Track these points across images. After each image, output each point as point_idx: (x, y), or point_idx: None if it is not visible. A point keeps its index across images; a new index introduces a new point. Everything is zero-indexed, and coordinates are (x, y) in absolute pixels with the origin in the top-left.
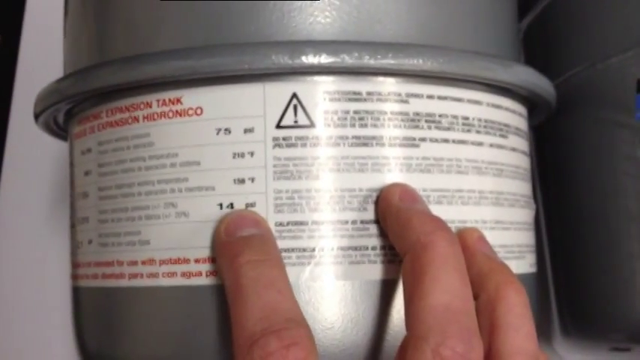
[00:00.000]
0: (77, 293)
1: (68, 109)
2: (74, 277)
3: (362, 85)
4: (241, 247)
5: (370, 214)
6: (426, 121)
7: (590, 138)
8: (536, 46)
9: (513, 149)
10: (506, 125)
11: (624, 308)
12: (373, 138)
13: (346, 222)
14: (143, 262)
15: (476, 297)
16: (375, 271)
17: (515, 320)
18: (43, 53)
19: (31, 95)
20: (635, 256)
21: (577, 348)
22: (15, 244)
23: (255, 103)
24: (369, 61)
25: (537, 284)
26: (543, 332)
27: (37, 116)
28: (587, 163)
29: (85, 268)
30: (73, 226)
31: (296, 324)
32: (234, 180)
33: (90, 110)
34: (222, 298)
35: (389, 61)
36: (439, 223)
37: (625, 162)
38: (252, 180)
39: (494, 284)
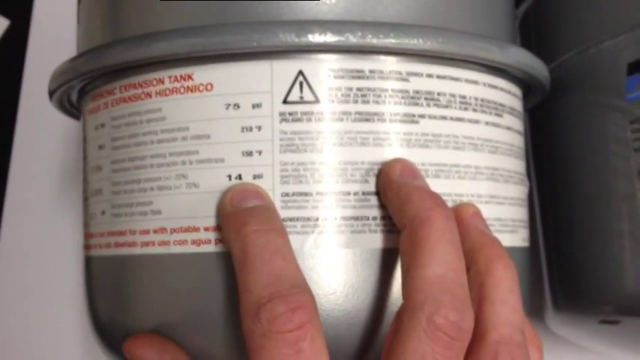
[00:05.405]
0: (89, 263)
1: (81, 87)
2: (87, 247)
3: (365, 64)
4: (247, 217)
5: (371, 186)
6: (425, 98)
7: (582, 120)
8: (532, 31)
9: (508, 128)
10: (501, 105)
11: (613, 282)
12: (375, 114)
13: (348, 193)
14: (155, 231)
15: (467, 269)
16: (375, 240)
17: (503, 294)
18: (52, 37)
19: (40, 78)
20: (625, 234)
21: (567, 322)
22: (26, 220)
23: (262, 79)
24: (371, 40)
25: (529, 258)
26: (535, 308)
27: (51, 93)
28: (580, 144)
29: (98, 238)
30: (86, 198)
31: (301, 290)
32: (243, 152)
33: (104, 87)
34: (230, 265)
35: (390, 41)
36: (437, 200)
37: (616, 143)
38: (260, 153)
39: (484, 258)
